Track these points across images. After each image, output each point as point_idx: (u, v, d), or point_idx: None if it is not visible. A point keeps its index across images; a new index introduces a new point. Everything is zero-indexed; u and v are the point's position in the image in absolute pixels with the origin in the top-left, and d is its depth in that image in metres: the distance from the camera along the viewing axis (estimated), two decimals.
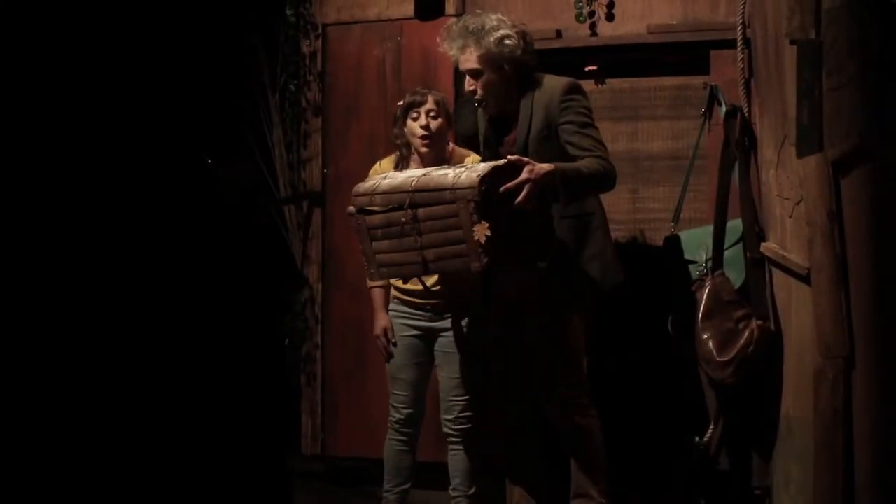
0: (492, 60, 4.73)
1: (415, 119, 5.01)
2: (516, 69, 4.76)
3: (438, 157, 5.01)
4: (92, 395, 5.68)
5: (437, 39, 4.87)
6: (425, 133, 4.98)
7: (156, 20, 5.99)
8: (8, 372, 5.48)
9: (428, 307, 5.08)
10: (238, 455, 6.07)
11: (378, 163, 5.21)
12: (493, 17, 4.79)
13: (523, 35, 4.81)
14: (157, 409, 5.86)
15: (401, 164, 5.07)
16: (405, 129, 5.04)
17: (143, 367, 5.93)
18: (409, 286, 5.02)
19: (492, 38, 4.70)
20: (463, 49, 4.75)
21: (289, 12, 6.22)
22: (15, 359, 5.52)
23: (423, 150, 5.01)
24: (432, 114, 4.99)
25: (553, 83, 4.78)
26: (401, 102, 5.12)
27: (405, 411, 5.16)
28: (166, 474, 5.85)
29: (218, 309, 5.82)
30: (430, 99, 5.00)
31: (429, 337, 5.13)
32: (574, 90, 4.76)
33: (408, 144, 5.06)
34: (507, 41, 4.71)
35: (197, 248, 5.89)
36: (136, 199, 5.95)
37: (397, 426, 5.19)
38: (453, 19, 4.88)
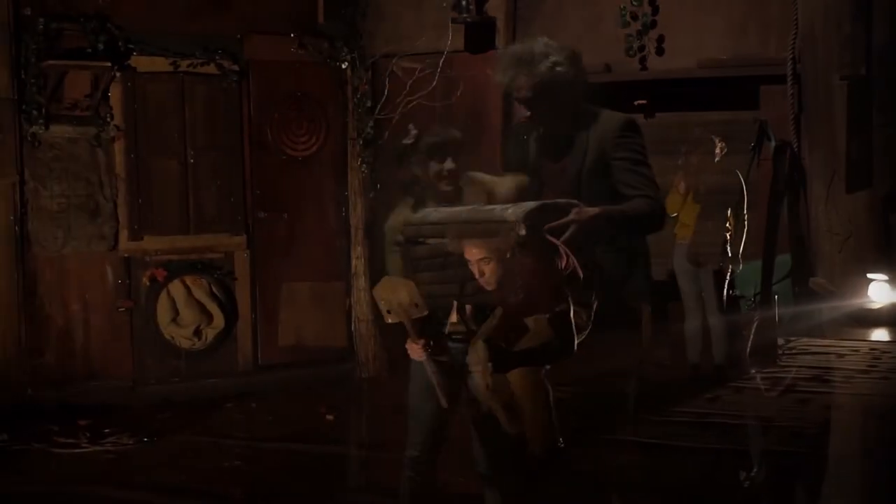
0: (544, 87, 4.68)
1: (441, 161, 5.00)
2: (569, 93, 4.72)
3: (456, 192, 4.98)
4: None
5: (489, 71, 4.83)
6: (449, 175, 4.97)
7: None
8: None
9: (464, 348, 5.04)
10: None
11: (397, 209, 5.06)
12: (541, 42, 4.73)
13: (572, 57, 4.76)
14: None
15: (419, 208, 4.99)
16: (426, 170, 5.00)
17: None
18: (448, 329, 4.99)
19: (543, 66, 4.66)
20: (515, 78, 4.70)
21: (338, 44, 6.28)
22: None
23: (448, 188, 4.99)
24: (454, 153, 4.99)
25: (609, 118, 4.74)
26: (410, 140, 5.06)
27: (417, 452, 5.10)
28: None
29: None
30: (450, 138, 4.99)
31: (454, 375, 5.07)
32: (630, 127, 4.70)
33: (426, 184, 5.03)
34: (558, 67, 4.67)
35: None
36: None
37: (411, 463, 5.15)
38: (502, 48, 4.81)
